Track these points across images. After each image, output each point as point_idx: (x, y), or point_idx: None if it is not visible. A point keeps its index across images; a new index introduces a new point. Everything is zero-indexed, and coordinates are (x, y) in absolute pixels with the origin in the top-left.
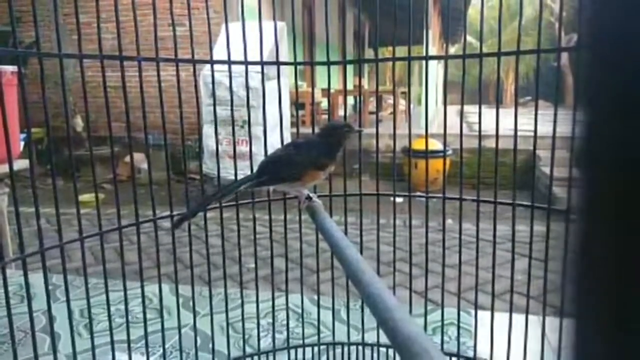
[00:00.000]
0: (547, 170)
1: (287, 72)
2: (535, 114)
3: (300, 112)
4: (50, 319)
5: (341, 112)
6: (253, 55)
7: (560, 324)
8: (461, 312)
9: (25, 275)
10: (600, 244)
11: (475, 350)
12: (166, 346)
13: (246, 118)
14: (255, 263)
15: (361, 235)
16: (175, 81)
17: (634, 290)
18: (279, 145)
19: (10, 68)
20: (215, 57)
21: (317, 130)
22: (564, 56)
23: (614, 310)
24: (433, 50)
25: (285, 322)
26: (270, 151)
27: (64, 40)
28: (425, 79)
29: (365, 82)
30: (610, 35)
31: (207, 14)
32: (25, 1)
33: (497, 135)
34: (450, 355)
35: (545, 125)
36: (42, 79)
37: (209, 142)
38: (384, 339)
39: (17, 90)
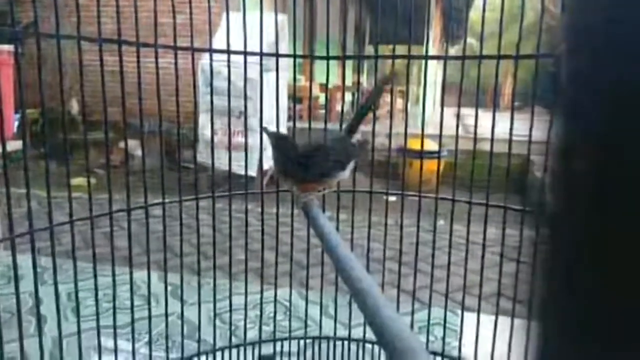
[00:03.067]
0: (540, 175)
1: (286, 66)
2: (531, 119)
3: (298, 107)
4: (37, 301)
5: (338, 108)
6: (252, 46)
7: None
8: (448, 313)
9: (14, 256)
10: (574, 244)
11: (460, 351)
12: (152, 333)
13: (243, 109)
14: (246, 255)
15: (352, 232)
16: (173, 69)
17: (605, 293)
18: None
19: (7, 47)
20: (214, 47)
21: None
22: None
23: (579, 313)
24: (433, 51)
25: (272, 314)
26: (265, 143)
27: (62, 22)
28: (424, 78)
29: (364, 79)
30: (593, 37)
31: (208, 2)
32: None
33: (492, 139)
34: (435, 354)
35: (541, 131)
36: (39, 60)
37: (204, 131)
38: (370, 335)
39: (12, 70)
